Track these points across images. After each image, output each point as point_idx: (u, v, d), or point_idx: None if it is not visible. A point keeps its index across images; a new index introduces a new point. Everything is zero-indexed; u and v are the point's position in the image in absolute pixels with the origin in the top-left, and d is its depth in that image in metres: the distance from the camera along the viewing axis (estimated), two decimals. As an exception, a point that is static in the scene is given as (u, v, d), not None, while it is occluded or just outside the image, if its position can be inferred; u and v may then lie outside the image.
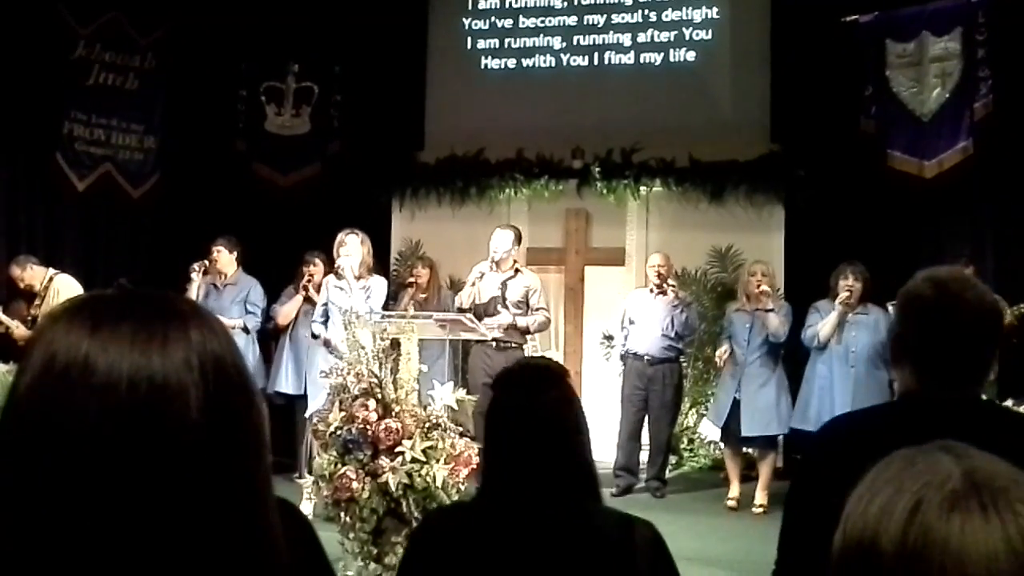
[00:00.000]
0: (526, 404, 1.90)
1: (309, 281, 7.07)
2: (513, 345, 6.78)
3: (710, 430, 7.53)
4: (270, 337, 7.35)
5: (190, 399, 0.79)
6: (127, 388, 0.77)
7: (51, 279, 7.15)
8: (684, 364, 7.50)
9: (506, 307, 6.76)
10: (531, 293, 6.87)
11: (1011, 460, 0.98)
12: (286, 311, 7.21)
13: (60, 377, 0.78)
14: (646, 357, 6.96)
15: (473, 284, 6.75)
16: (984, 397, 1.97)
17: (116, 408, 0.77)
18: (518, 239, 6.94)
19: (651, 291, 7.06)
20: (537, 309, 6.88)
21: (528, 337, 7.06)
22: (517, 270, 6.93)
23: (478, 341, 6.74)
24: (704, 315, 7.99)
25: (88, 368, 0.77)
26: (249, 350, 6.91)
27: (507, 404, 1.93)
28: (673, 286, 6.97)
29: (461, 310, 6.70)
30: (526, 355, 7.02)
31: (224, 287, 7.15)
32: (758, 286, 6.60)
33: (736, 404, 6.58)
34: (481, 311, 6.73)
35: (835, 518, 1.71)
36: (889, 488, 0.87)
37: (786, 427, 6.60)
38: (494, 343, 6.71)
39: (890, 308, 6.06)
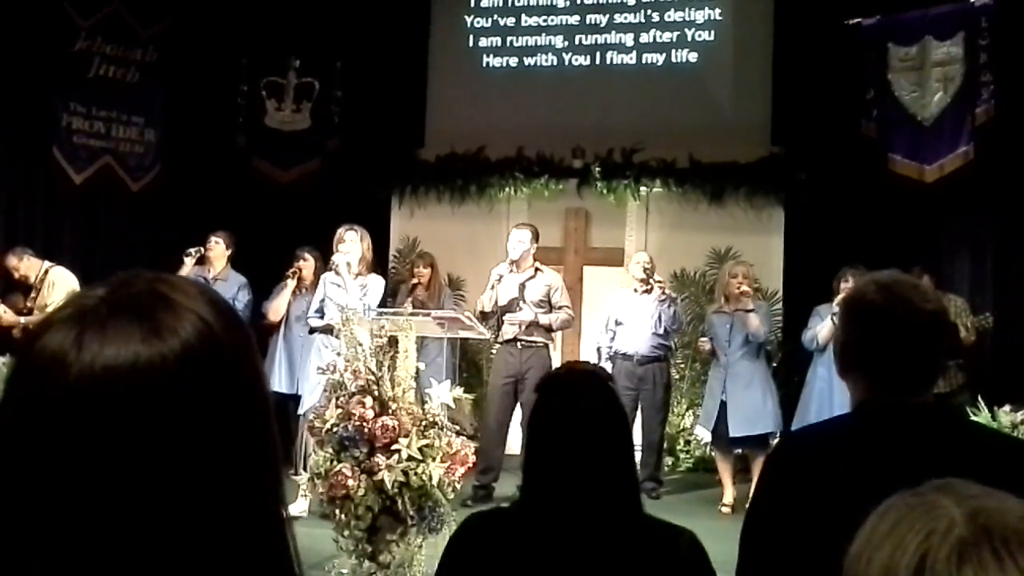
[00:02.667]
0: (571, 409, 1.86)
1: (298, 270, 7.06)
2: (538, 344, 6.76)
3: (705, 432, 7.52)
4: (264, 335, 7.30)
5: (176, 391, 0.77)
6: (105, 384, 0.75)
7: (47, 271, 7.14)
8: (680, 364, 7.50)
9: (528, 305, 6.73)
10: (553, 291, 6.84)
11: (967, 466, 0.96)
12: (276, 305, 7.17)
13: (39, 379, 0.76)
14: (635, 357, 6.94)
15: (492, 287, 6.71)
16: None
17: (97, 402, 0.75)
18: (535, 237, 6.88)
19: (635, 290, 7.05)
20: (561, 307, 6.85)
21: (553, 336, 7.02)
22: (537, 269, 6.88)
23: (505, 341, 6.73)
24: (702, 316, 7.97)
25: (67, 365, 0.76)
26: None
27: (552, 409, 1.89)
28: (660, 282, 6.96)
29: (484, 314, 6.68)
30: (550, 355, 7.01)
31: (214, 282, 7.10)
32: (738, 287, 6.60)
33: (723, 406, 6.58)
34: (507, 308, 6.72)
35: (795, 532, 1.71)
36: (889, 544, 0.78)
37: (776, 425, 6.59)
38: (519, 343, 6.69)
39: (833, 318, 6.06)
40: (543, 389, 1.96)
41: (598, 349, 7.40)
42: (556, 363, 7.39)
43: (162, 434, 0.76)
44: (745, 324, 6.53)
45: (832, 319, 6.07)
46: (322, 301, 6.23)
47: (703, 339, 6.82)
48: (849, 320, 1.84)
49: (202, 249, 7.09)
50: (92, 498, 0.74)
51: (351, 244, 6.12)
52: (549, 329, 6.87)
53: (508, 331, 6.75)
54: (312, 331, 6.37)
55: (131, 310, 0.79)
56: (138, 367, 0.76)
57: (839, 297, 6.26)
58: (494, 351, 7.21)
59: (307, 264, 7.11)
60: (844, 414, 1.92)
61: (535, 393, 1.97)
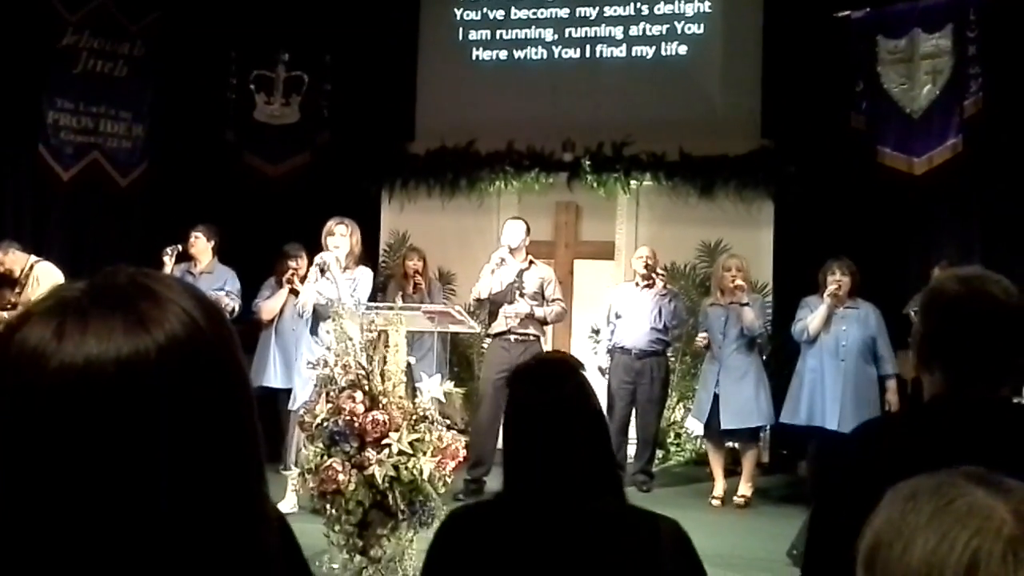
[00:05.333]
0: (546, 399, 1.86)
1: (295, 274, 7.01)
2: (532, 337, 6.74)
3: (696, 425, 7.54)
4: (255, 330, 7.27)
5: (159, 383, 0.76)
6: (87, 376, 0.74)
7: (32, 266, 7.07)
8: (672, 359, 7.51)
9: (523, 297, 6.72)
10: (546, 284, 6.83)
11: None
12: (271, 306, 7.11)
13: (18, 372, 0.75)
14: (633, 351, 6.94)
15: (493, 272, 6.68)
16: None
17: (78, 395, 0.74)
18: (528, 231, 6.89)
19: (637, 284, 7.06)
20: (553, 300, 6.84)
21: (545, 329, 7.01)
22: (531, 262, 6.88)
23: (497, 334, 6.71)
24: (692, 310, 7.99)
25: (46, 357, 0.75)
26: None
27: (527, 400, 1.89)
28: (662, 275, 6.97)
29: (479, 301, 6.66)
30: (543, 349, 7.00)
31: (200, 275, 7.04)
32: (733, 280, 6.60)
33: (716, 399, 6.59)
34: (501, 299, 6.69)
35: (865, 521, 1.68)
36: (930, 535, 0.77)
37: (766, 419, 6.62)
38: (512, 337, 6.68)
39: (912, 313, 6.07)
40: (516, 381, 1.96)
41: (597, 341, 7.40)
42: None
43: (145, 427, 0.75)
44: (740, 318, 6.54)
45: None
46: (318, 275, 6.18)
47: (700, 336, 6.80)
48: (930, 312, 1.82)
49: (179, 247, 7.00)
50: (73, 491, 0.74)
51: (340, 238, 6.09)
52: (544, 322, 6.87)
53: (501, 323, 6.73)
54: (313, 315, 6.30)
55: (113, 302, 0.78)
56: (121, 359, 0.75)
57: (831, 288, 6.29)
58: (485, 345, 7.20)
59: (302, 263, 7.07)
60: (919, 406, 1.90)
61: (508, 385, 1.97)
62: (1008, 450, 1.61)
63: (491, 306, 6.76)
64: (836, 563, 1.73)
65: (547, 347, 8.23)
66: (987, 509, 0.77)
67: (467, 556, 1.84)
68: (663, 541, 1.81)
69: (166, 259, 6.88)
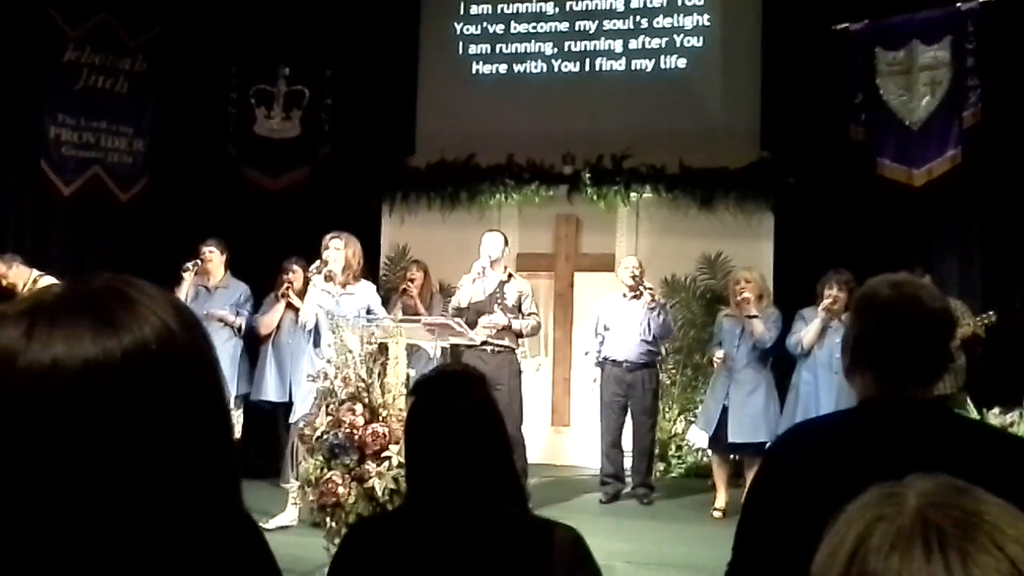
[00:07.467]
0: (443, 411, 1.90)
1: (288, 288, 7.04)
2: (508, 348, 6.77)
3: (698, 437, 7.52)
4: (258, 343, 7.29)
5: (124, 385, 0.76)
6: (53, 376, 0.75)
7: (36, 280, 7.07)
8: (671, 368, 7.49)
9: (502, 308, 6.75)
10: (523, 298, 6.88)
11: (965, 463, 0.96)
12: (268, 320, 7.16)
13: None
14: (624, 363, 6.93)
15: (474, 281, 6.71)
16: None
17: (45, 396, 0.74)
18: (506, 243, 6.98)
19: (624, 295, 7.05)
20: (529, 314, 6.88)
21: (520, 341, 7.04)
22: (511, 275, 6.92)
23: (470, 346, 6.72)
24: (693, 322, 7.99)
25: (15, 358, 0.75)
26: (237, 350, 6.97)
27: (424, 411, 1.94)
28: (649, 288, 6.96)
29: (459, 310, 6.68)
30: (519, 360, 7.01)
31: (215, 290, 7.11)
32: (740, 293, 6.61)
33: (725, 411, 6.58)
34: (481, 309, 6.70)
35: (793, 521, 1.74)
36: (842, 527, 0.76)
37: (774, 435, 6.58)
38: (488, 348, 6.69)
39: (843, 317, 6.11)
40: (416, 392, 2.02)
41: (586, 354, 7.40)
42: (527, 368, 7.38)
43: (110, 427, 0.75)
44: (750, 330, 6.54)
45: (835, 319, 6.11)
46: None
47: (717, 356, 6.77)
48: (861, 316, 1.89)
49: (199, 262, 7.06)
50: (37, 489, 0.74)
51: (335, 251, 6.10)
52: (519, 335, 6.89)
53: (479, 334, 6.73)
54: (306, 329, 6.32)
55: (85, 306, 0.79)
56: (88, 360, 0.76)
57: (825, 302, 6.29)
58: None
59: (296, 276, 7.10)
60: (848, 408, 1.96)
61: (410, 395, 2.01)
62: (927, 450, 1.68)
63: (470, 316, 6.76)
64: (760, 549, 1.80)
65: (548, 359, 8.25)
66: (896, 503, 0.75)
67: (367, 566, 1.88)
68: (554, 549, 1.84)
69: (186, 275, 6.92)
